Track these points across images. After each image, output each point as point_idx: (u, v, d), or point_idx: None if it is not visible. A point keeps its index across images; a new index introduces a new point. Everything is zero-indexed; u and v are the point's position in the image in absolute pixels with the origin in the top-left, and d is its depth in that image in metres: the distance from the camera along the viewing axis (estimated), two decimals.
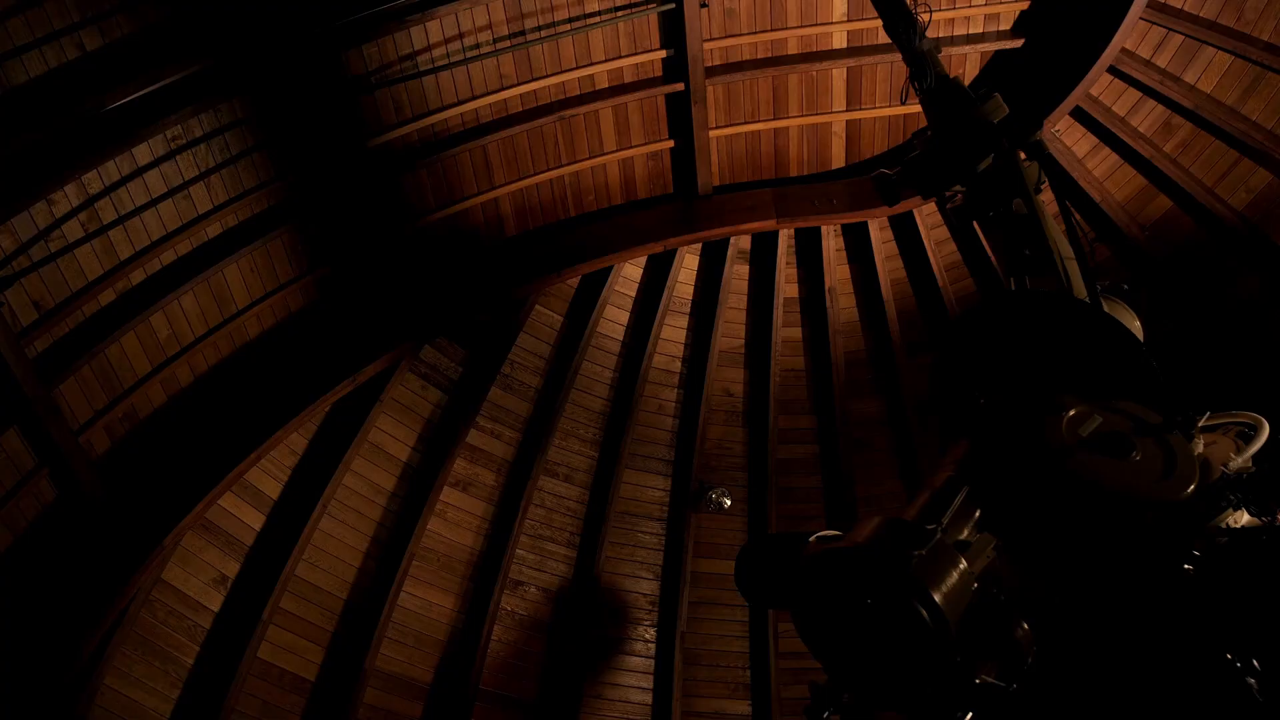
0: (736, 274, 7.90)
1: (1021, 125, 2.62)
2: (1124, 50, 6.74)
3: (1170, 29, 6.59)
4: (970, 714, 1.46)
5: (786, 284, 7.87)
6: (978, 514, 1.77)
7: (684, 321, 7.96)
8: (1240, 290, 6.75)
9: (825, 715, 1.54)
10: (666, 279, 7.72)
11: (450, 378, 7.39)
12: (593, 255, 7.38)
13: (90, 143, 5.27)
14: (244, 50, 5.57)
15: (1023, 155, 2.78)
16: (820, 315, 7.84)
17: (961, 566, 1.53)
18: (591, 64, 6.80)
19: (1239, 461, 2.08)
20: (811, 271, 7.88)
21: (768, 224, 7.52)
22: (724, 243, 7.72)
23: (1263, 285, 6.65)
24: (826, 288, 7.77)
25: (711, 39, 6.90)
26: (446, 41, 6.32)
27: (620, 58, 6.85)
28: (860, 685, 1.52)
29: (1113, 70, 6.84)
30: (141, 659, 6.02)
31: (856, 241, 7.79)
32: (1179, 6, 6.50)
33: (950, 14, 6.98)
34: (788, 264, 7.85)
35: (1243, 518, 2.17)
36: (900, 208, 7.51)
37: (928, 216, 7.62)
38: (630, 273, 7.84)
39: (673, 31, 6.81)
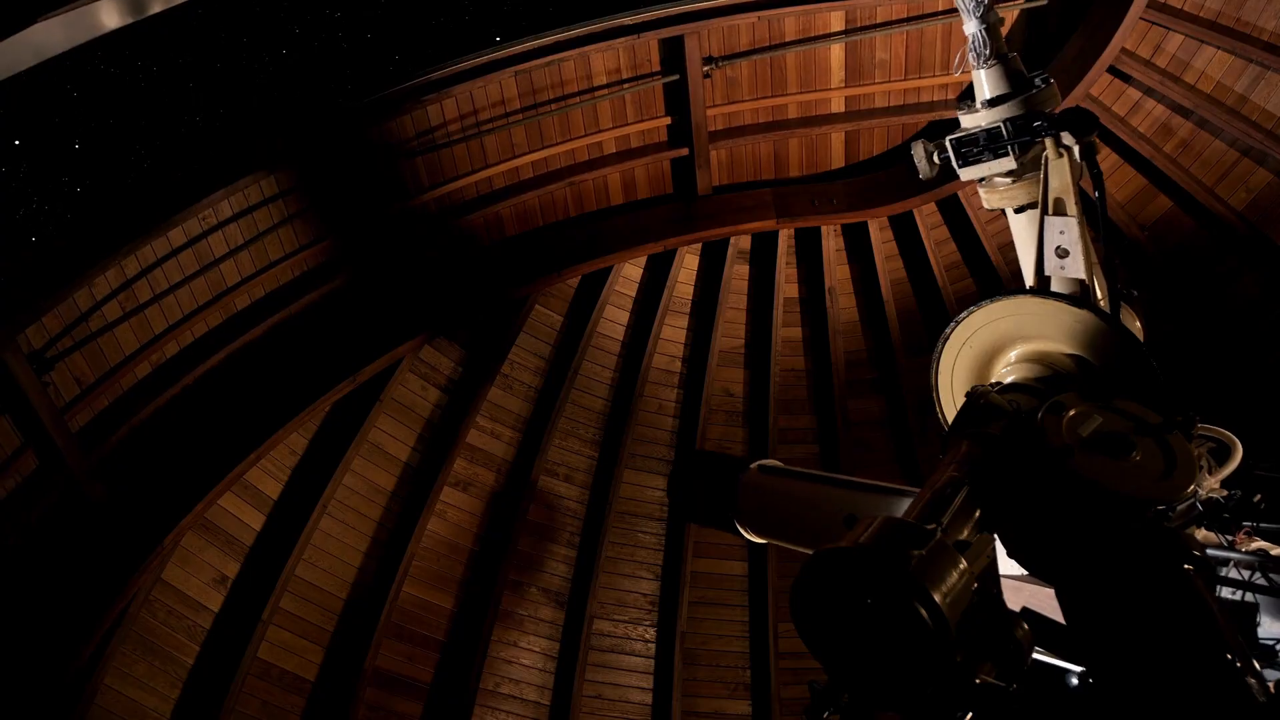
0: (736, 274, 7.90)
1: (1082, 120, 2.52)
2: (1124, 50, 6.74)
3: (1170, 29, 6.59)
4: (970, 714, 1.46)
5: (786, 284, 7.88)
6: (978, 514, 1.77)
7: (684, 321, 7.96)
8: (1240, 290, 6.75)
9: (825, 715, 1.54)
10: (666, 279, 7.72)
11: (450, 378, 7.40)
12: (593, 255, 7.39)
13: (130, 229, 5.64)
14: (270, 134, 6.01)
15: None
16: (820, 315, 7.84)
17: (961, 566, 1.52)
18: (599, 131, 7.13)
19: (1211, 483, 2.04)
20: (811, 271, 7.88)
21: (768, 224, 7.52)
22: (724, 243, 7.72)
23: (1263, 285, 6.65)
24: (826, 288, 7.77)
25: (714, 105, 7.16)
26: (461, 117, 6.67)
27: (627, 125, 7.16)
28: (860, 685, 1.52)
29: (1112, 70, 6.85)
30: (141, 659, 6.02)
31: (856, 241, 7.80)
32: (1179, 6, 6.51)
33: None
34: (788, 264, 7.85)
35: (1200, 534, 2.15)
36: (900, 206, 7.52)
37: (928, 216, 7.63)
38: (630, 273, 7.84)
39: (677, 99, 7.11)
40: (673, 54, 6.90)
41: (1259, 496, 1.82)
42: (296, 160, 6.20)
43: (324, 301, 6.79)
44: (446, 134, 6.69)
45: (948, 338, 2.42)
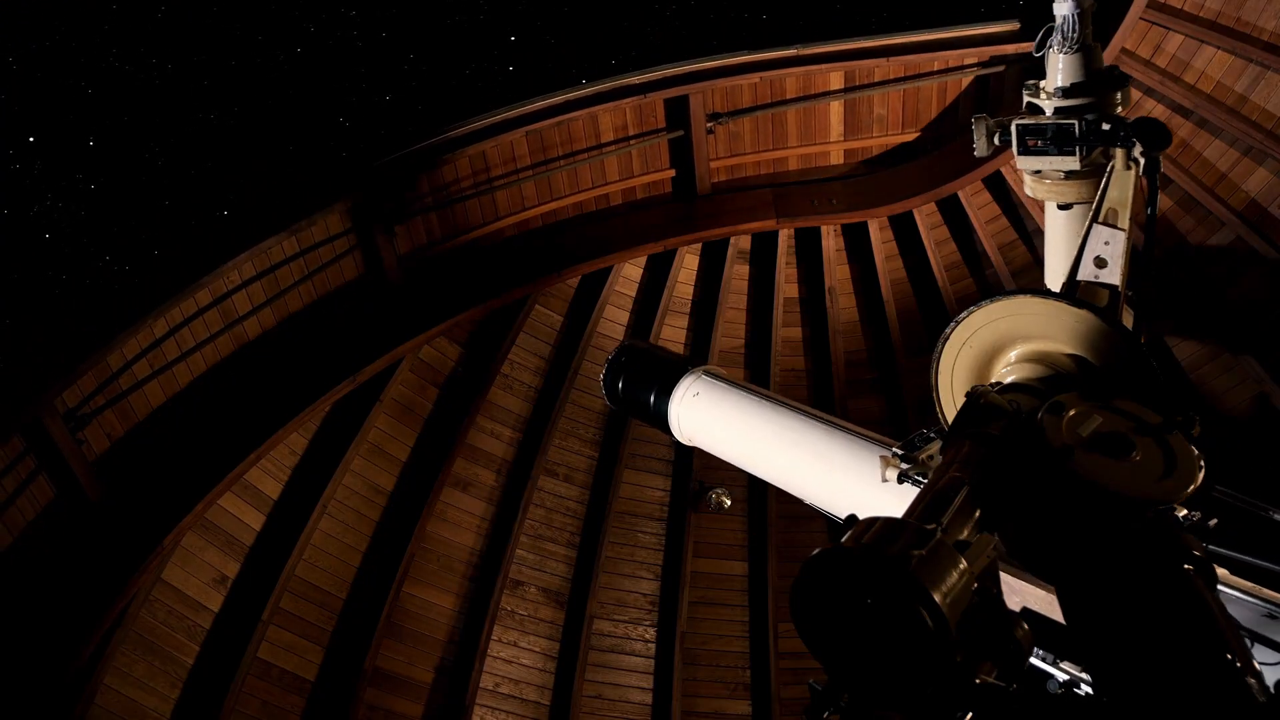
0: (736, 274, 7.90)
1: (1156, 134, 2.38)
2: (1124, 50, 6.74)
3: (1170, 29, 6.59)
4: (970, 714, 1.46)
5: (786, 284, 7.87)
6: (978, 514, 1.77)
7: (684, 321, 7.96)
8: (1240, 290, 6.75)
9: (825, 716, 1.54)
10: (666, 279, 7.72)
11: (450, 378, 7.40)
12: (593, 255, 7.40)
13: (159, 294, 6.04)
14: (288, 199, 6.44)
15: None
16: (820, 315, 7.84)
17: (961, 566, 1.52)
18: (606, 184, 7.44)
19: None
20: (811, 271, 7.88)
21: (768, 224, 7.53)
22: (724, 243, 7.72)
23: (1263, 285, 6.65)
24: (826, 288, 7.77)
25: (717, 158, 7.42)
26: (474, 174, 6.97)
27: (633, 177, 7.48)
28: (859, 686, 1.52)
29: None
30: (141, 659, 6.02)
31: (856, 241, 7.79)
32: (1179, 6, 6.51)
33: None
34: (787, 264, 7.85)
35: None
36: (900, 206, 7.53)
37: (928, 216, 7.63)
38: (630, 273, 7.84)
39: (681, 153, 7.41)
40: (678, 111, 7.18)
41: (1214, 520, 1.81)
42: (315, 221, 6.48)
43: (325, 302, 6.81)
44: (460, 189, 7.00)
45: (948, 338, 2.41)
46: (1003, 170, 7.40)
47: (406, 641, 7.01)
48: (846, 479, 2.53)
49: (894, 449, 2.34)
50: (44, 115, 16.48)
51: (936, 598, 1.43)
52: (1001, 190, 7.55)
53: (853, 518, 1.74)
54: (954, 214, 7.66)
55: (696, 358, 7.52)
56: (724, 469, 7.83)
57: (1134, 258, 2.41)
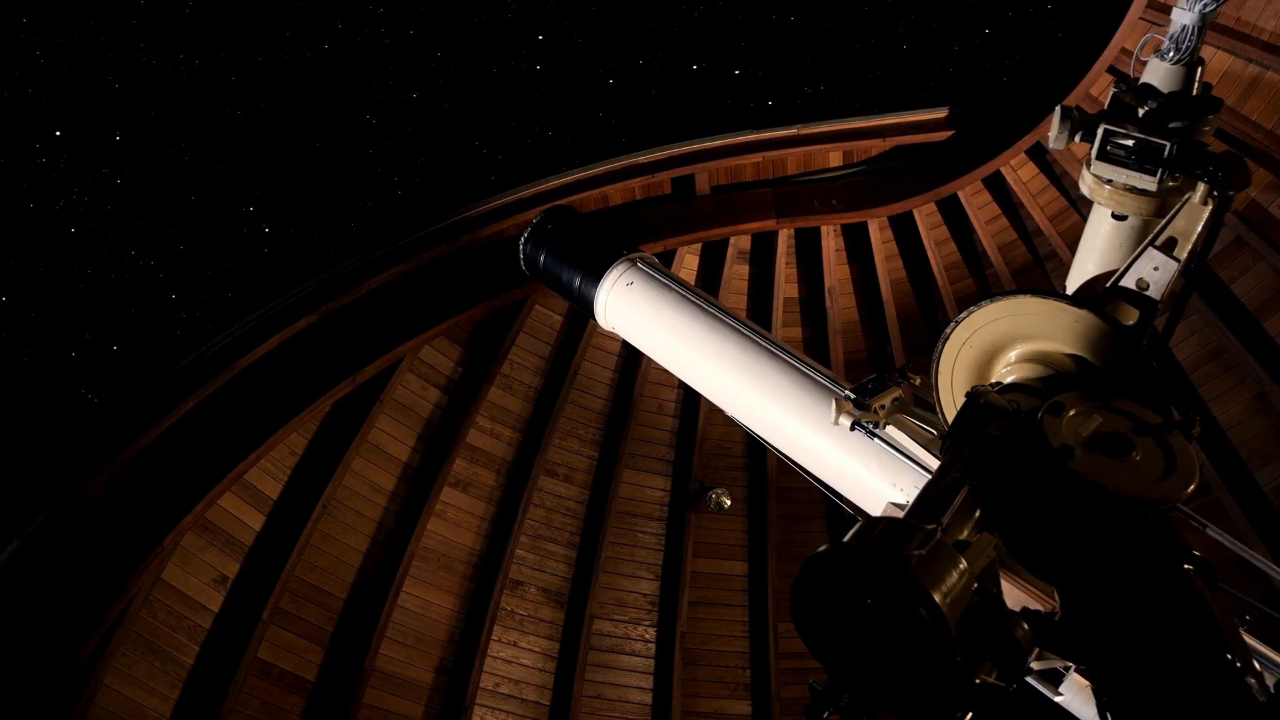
0: (736, 274, 7.90)
1: (1240, 174, 2.28)
2: (1124, 50, 6.74)
3: None
4: (970, 714, 1.46)
5: (786, 284, 7.88)
6: (978, 514, 1.77)
7: None
8: (1240, 290, 6.75)
9: (825, 716, 1.54)
10: None
11: (450, 378, 7.40)
12: None
13: (196, 378, 6.31)
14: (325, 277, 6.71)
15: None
16: (820, 315, 7.84)
17: (961, 566, 1.52)
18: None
19: None
20: (811, 271, 7.88)
21: (767, 224, 7.53)
22: (723, 243, 7.72)
23: (1263, 286, 6.65)
24: (826, 288, 7.77)
25: None
26: (491, 249, 7.12)
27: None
28: (859, 685, 1.52)
29: (1113, 70, 6.85)
30: (141, 659, 6.02)
31: (856, 241, 7.80)
32: None
33: None
34: (787, 264, 7.85)
35: None
36: (900, 206, 7.52)
37: (928, 216, 7.63)
38: None
39: None
40: (683, 188, 7.43)
41: None
42: (339, 298, 6.71)
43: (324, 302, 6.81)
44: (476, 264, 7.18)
45: (948, 338, 2.40)
46: (1002, 170, 7.40)
47: (406, 641, 7.01)
48: (794, 417, 2.48)
49: (847, 391, 2.31)
50: (70, 109, 16.53)
51: (936, 598, 1.43)
52: (1001, 190, 7.55)
53: (855, 517, 1.74)
54: (954, 214, 7.66)
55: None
56: (724, 469, 7.84)
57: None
